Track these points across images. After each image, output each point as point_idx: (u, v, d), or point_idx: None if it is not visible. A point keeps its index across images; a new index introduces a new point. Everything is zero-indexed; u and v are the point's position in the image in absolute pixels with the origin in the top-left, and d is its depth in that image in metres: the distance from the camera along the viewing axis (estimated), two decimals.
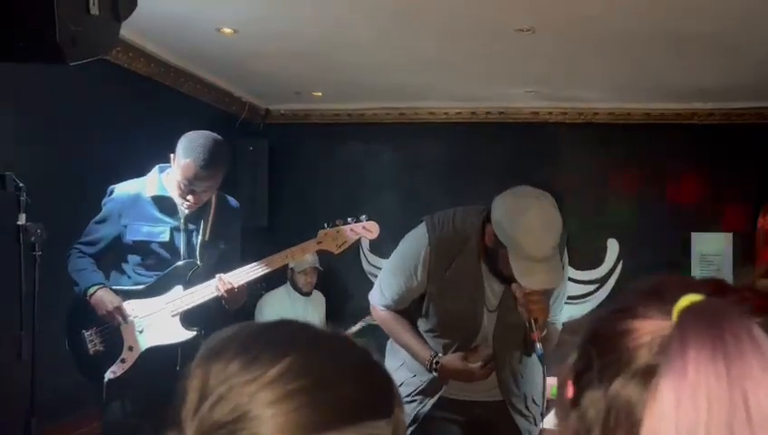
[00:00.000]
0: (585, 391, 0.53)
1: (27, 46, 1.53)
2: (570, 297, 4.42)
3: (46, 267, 2.29)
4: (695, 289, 0.54)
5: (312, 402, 0.57)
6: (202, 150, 2.50)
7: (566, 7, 2.84)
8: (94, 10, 1.65)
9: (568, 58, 3.58)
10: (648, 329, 0.53)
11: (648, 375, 0.50)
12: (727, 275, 4.57)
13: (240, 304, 2.69)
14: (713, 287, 0.55)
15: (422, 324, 2.18)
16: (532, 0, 2.78)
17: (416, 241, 2.11)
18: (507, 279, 1.96)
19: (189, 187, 2.53)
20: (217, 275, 2.57)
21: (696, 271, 4.60)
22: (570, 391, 0.55)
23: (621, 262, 4.71)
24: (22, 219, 2.25)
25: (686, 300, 0.52)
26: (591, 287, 4.69)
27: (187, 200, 2.56)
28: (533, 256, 1.84)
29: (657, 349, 0.51)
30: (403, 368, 2.20)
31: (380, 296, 2.22)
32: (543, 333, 1.92)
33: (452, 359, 2.07)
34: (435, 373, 2.08)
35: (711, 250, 4.58)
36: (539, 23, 2.99)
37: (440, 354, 2.09)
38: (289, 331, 0.65)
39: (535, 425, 2.23)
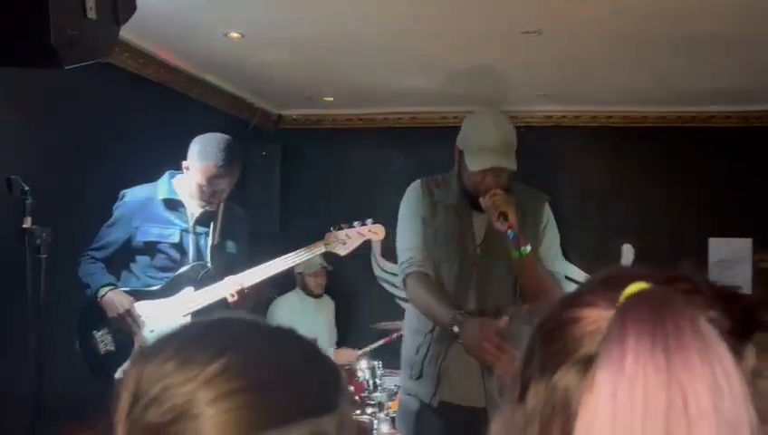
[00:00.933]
0: (530, 383, 0.51)
1: (23, 50, 1.54)
2: None
3: (52, 270, 2.31)
4: (646, 278, 0.50)
5: (254, 401, 0.56)
6: (218, 151, 2.59)
7: (573, 9, 2.81)
8: (91, 13, 1.67)
9: (578, 61, 3.54)
10: (594, 317, 0.50)
11: (587, 365, 0.47)
12: (746, 282, 4.47)
13: (248, 308, 2.72)
14: (667, 278, 0.52)
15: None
16: (539, 2, 2.75)
17: (410, 191, 2.28)
18: (475, 198, 2.08)
19: (211, 188, 2.60)
20: (228, 277, 2.60)
21: (714, 277, 4.47)
22: (516, 386, 0.52)
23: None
24: (27, 223, 2.29)
25: (633, 287, 0.49)
26: None
27: (211, 202, 2.64)
28: (484, 144, 2.07)
29: (600, 338, 0.48)
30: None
31: (404, 255, 2.19)
32: (515, 226, 1.98)
33: (472, 322, 1.96)
34: (456, 329, 1.96)
35: (729, 256, 4.49)
36: (546, 25, 2.96)
37: (463, 312, 2.01)
38: (228, 329, 0.64)
39: None
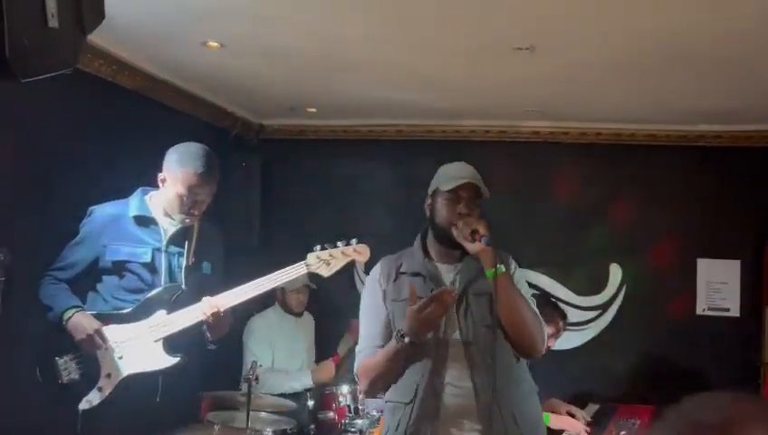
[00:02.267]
0: None
1: None
2: (571, 324, 4.27)
3: (10, 293, 2.16)
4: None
5: None
6: (197, 157, 2.51)
7: (566, 26, 2.73)
8: (53, 22, 1.52)
9: (569, 78, 3.47)
10: None
11: None
12: (733, 304, 4.41)
13: (222, 335, 2.59)
14: None
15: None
16: (531, 19, 2.67)
17: (371, 272, 2.29)
18: (449, 234, 2.13)
19: (192, 197, 2.51)
20: (204, 298, 2.47)
21: (702, 299, 4.44)
22: None
23: (624, 287, 4.55)
24: None
25: None
26: (593, 314, 4.54)
27: (191, 214, 2.54)
28: (455, 173, 2.21)
29: None
30: None
31: (362, 344, 2.20)
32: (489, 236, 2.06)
33: (409, 311, 2.03)
34: (406, 340, 2.03)
35: (717, 277, 4.42)
36: (538, 41, 2.88)
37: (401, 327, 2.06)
38: None
39: None
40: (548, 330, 3.21)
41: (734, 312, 4.39)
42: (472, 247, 2.08)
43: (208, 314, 2.47)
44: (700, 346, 4.35)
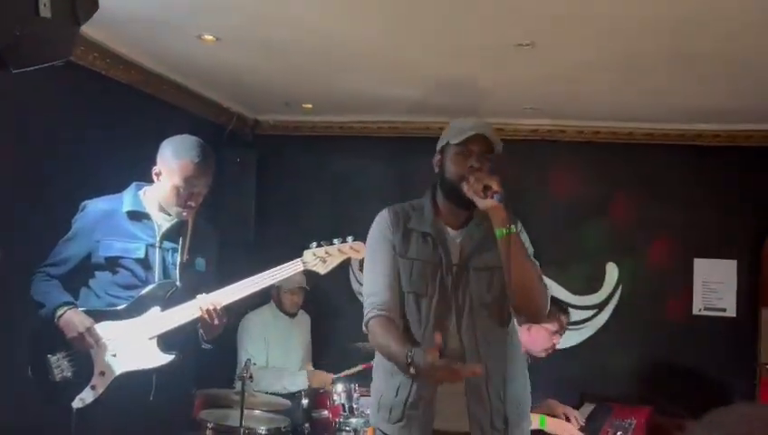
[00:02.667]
0: None
1: None
2: (569, 323, 4.24)
3: (4, 290, 2.12)
4: None
5: None
6: (193, 147, 2.49)
7: (568, 23, 2.71)
8: (45, 12, 1.48)
9: (568, 75, 3.45)
10: None
11: None
12: (730, 304, 4.40)
13: (216, 334, 2.55)
14: None
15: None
16: (532, 15, 2.64)
17: (377, 221, 2.21)
18: (459, 189, 2.04)
19: (189, 188, 2.48)
20: (199, 296, 2.43)
21: (698, 298, 4.43)
22: None
23: (621, 287, 4.53)
24: None
25: None
26: (590, 313, 4.52)
27: (189, 206, 2.51)
28: (465, 125, 2.10)
29: None
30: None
31: (369, 299, 2.12)
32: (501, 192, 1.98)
33: (427, 352, 1.92)
34: (412, 371, 1.92)
35: (714, 277, 4.40)
36: (539, 38, 2.85)
37: (416, 350, 1.95)
38: None
39: None
40: (551, 327, 3.20)
41: (731, 312, 4.37)
42: (483, 204, 1.98)
43: (203, 312, 2.43)
44: (696, 346, 4.35)
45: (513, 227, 1.97)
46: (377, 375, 2.18)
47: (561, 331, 3.31)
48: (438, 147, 2.16)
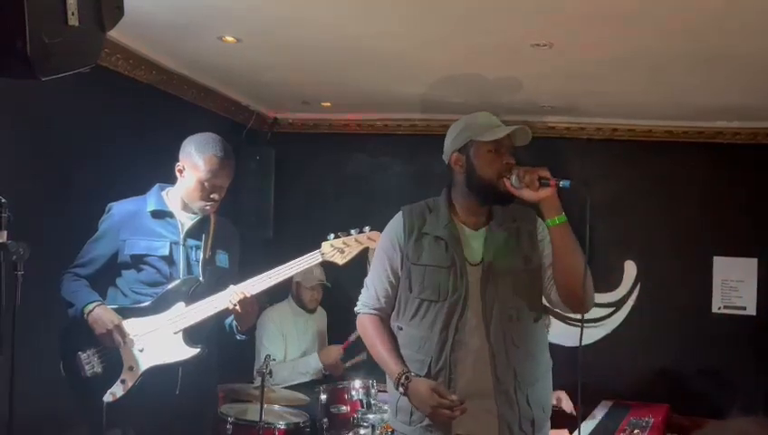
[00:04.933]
0: None
1: None
2: (584, 321, 4.22)
3: (29, 288, 2.17)
4: None
5: None
6: (216, 143, 2.57)
7: (586, 23, 2.70)
8: (73, 20, 1.53)
9: (586, 74, 3.44)
10: None
11: None
12: (750, 303, 4.36)
13: (253, 320, 2.62)
14: None
15: (410, 303, 2.11)
16: (549, 16, 2.64)
17: (391, 224, 2.22)
18: (495, 187, 2.04)
19: (213, 181, 2.54)
20: (230, 286, 2.49)
21: (718, 297, 4.40)
22: None
23: (639, 285, 4.51)
24: (3, 237, 2.14)
25: None
26: (607, 311, 4.51)
27: (212, 200, 2.57)
28: (491, 122, 2.13)
29: None
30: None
31: (365, 294, 2.21)
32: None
33: (422, 382, 2.00)
34: (401, 390, 2.02)
35: (733, 276, 4.37)
36: (557, 38, 2.85)
37: (412, 373, 2.03)
38: None
39: None
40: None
41: (751, 310, 4.34)
42: (536, 195, 1.99)
43: (236, 302, 2.48)
44: (715, 345, 4.32)
45: (564, 215, 1.99)
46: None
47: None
48: (457, 146, 2.13)
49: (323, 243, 2.60)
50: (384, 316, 2.19)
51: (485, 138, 2.06)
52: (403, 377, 2.02)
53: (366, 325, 2.20)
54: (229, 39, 3.08)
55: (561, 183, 1.99)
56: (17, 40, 1.38)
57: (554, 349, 3.30)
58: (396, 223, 2.20)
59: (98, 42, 1.67)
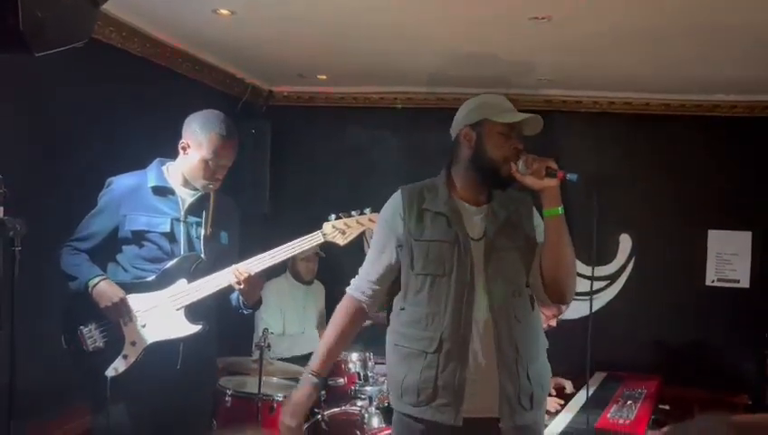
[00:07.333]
0: None
1: None
2: (578, 294, 4.26)
3: (26, 263, 2.17)
4: None
5: None
6: (221, 121, 2.54)
7: None
8: None
9: (584, 48, 3.42)
10: None
11: None
12: (743, 276, 4.40)
13: (258, 295, 2.62)
14: None
15: (412, 282, 2.09)
16: None
17: (390, 202, 2.19)
18: (499, 170, 2.04)
19: (216, 161, 2.52)
20: (233, 266, 2.51)
21: (712, 270, 4.44)
22: None
23: (634, 258, 4.54)
24: None
25: None
26: (602, 284, 4.54)
27: (216, 179, 2.56)
28: (505, 105, 2.11)
29: None
30: (404, 367, 2.08)
31: (358, 277, 2.21)
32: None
33: (289, 405, 2.18)
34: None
35: (728, 249, 4.41)
36: (556, 11, 2.82)
37: (311, 375, 2.17)
38: None
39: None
40: (548, 312, 3.24)
41: (744, 283, 4.39)
42: (540, 184, 1.99)
43: (240, 280, 2.49)
44: (709, 317, 4.37)
45: (563, 208, 1.99)
46: (394, 357, 2.13)
47: (558, 315, 3.38)
48: (469, 121, 2.09)
49: (325, 223, 2.60)
50: (366, 306, 2.18)
51: (501, 119, 2.04)
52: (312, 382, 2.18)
53: (341, 307, 2.21)
54: (224, 11, 3.04)
55: (569, 176, 1.98)
56: (9, 15, 1.35)
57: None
58: (395, 201, 2.17)
59: (91, 16, 1.65)
